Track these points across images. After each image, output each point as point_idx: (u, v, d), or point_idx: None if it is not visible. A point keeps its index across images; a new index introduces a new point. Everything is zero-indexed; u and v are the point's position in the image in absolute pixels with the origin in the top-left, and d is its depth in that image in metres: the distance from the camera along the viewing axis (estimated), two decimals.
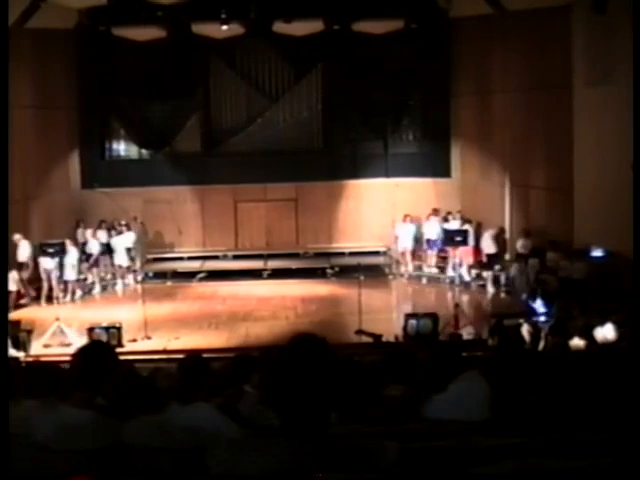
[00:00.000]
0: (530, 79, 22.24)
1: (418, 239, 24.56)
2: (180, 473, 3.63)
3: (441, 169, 25.89)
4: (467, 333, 17.85)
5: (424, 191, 25.49)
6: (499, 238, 23.25)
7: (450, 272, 23.63)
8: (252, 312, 20.61)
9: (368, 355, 10.88)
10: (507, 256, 23.03)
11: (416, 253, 24.64)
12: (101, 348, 5.68)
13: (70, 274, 22.15)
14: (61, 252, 21.66)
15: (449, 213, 24.26)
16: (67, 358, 5.48)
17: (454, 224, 23.62)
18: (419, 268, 24.59)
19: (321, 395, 3.02)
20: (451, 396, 5.95)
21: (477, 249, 23.10)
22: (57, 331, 17.80)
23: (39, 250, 21.43)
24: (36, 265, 21.84)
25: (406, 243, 24.41)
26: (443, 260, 24.28)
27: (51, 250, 21.67)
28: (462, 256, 23.04)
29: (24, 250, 21.69)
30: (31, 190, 23.70)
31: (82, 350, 5.17)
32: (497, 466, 3.76)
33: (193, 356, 5.66)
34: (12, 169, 22.73)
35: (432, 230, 24.23)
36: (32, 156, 23.74)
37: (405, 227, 24.45)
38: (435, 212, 24.52)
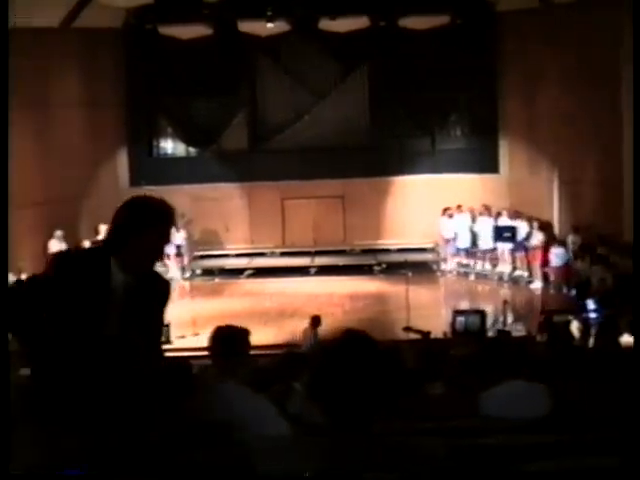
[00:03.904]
0: (579, 73, 22.00)
1: (473, 233, 24.36)
2: (224, 471, 3.62)
3: (489, 165, 25.71)
4: (516, 330, 17.73)
5: (472, 187, 25.32)
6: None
7: (499, 269, 23.50)
8: (299, 309, 20.61)
9: (413, 352, 10.85)
10: None
11: (470, 250, 24.43)
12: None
13: None
14: None
15: (499, 212, 24.04)
16: None
17: (504, 220, 23.47)
18: (466, 265, 24.46)
19: (369, 392, 3.00)
20: (501, 393, 5.92)
21: (546, 249, 22.56)
22: None
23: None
24: None
25: (462, 237, 24.26)
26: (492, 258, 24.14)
27: None
28: (530, 258, 22.80)
29: (54, 246, 21.75)
30: (79, 188, 23.90)
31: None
32: (546, 463, 3.72)
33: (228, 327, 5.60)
34: (60, 167, 23.06)
35: (483, 227, 24.05)
36: (80, 154, 23.96)
37: (459, 219, 24.33)
38: (486, 209, 24.37)
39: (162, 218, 4.37)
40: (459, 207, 24.42)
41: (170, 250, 24.33)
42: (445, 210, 24.51)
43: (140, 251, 4.33)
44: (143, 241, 4.31)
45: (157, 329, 4.68)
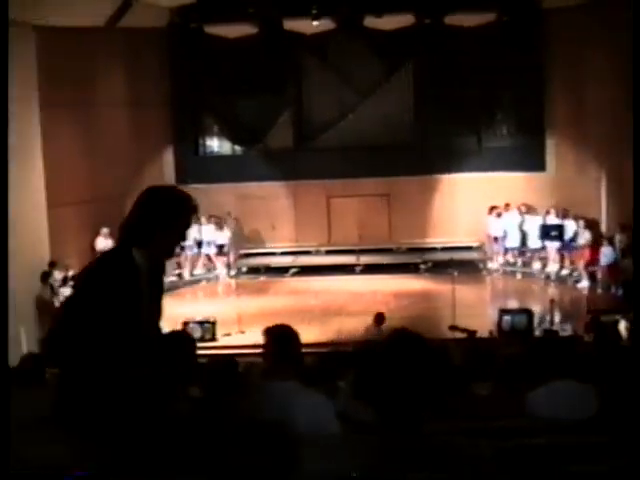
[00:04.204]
0: (627, 70, 21.75)
1: (523, 232, 24.18)
2: (273, 468, 3.62)
3: (535, 163, 25.51)
4: (563, 329, 17.59)
5: (518, 186, 25.14)
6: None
7: (548, 268, 23.34)
8: (344, 307, 20.62)
9: (459, 351, 10.80)
10: None
11: (517, 249, 24.27)
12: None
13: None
14: None
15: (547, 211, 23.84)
16: None
17: (551, 219, 23.30)
18: (513, 264, 24.32)
19: (418, 392, 2.99)
20: (548, 393, 5.87)
21: (594, 248, 22.32)
22: None
23: None
24: None
25: (512, 236, 24.11)
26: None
27: None
28: (578, 257, 22.64)
29: (101, 244, 21.87)
30: (126, 187, 24.04)
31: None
32: (593, 464, 3.69)
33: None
34: (107, 165, 23.24)
35: (531, 225, 23.84)
36: (127, 152, 24.14)
37: (508, 217, 24.17)
38: (527, 207, 24.20)
39: (190, 209, 4.39)
40: (507, 205, 24.29)
41: (213, 248, 24.54)
42: (493, 208, 24.38)
43: (168, 242, 4.37)
44: (172, 233, 4.33)
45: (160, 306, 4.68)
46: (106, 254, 4.49)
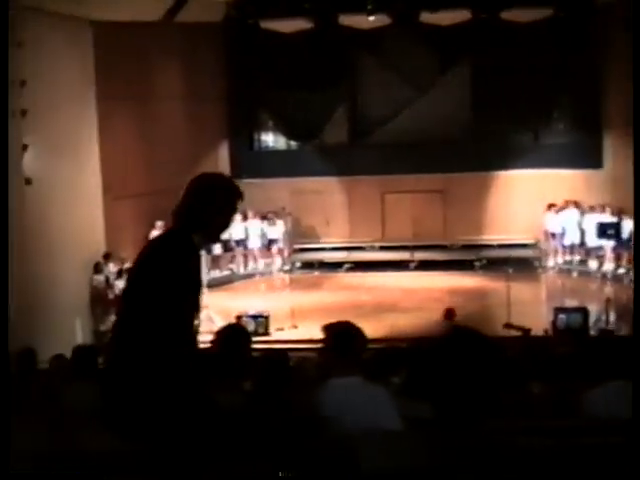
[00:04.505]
0: None
1: (580, 230, 23.90)
2: (331, 463, 3.60)
3: (592, 160, 25.23)
4: (618, 329, 17.38)
5: (574, 183, 24.89)
6: None
7: (604, 266, 23.07)
8: (398, 303, 20.57)
9: (514, 349, 10.71)
10: None
11: (575, 247, 24.00)
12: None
13: None
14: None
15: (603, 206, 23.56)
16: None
17: (606, 217, 23.02)
18: (569, 262, 24.07)
19: (476, 389, 2.95)
20: (604, 393, 5.80)
21: None
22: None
23: None
24: None
25: (569, 234, 23.85)
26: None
27: None
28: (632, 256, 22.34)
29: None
30: (181, 180, 24.12)
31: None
32: None
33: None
34: (162, 159, 23.39)
35: (590, 223, 23.51)
36: (182, 146, 24.26)
37: (566, 215, 23.92)
38: (575, 204, 23.96)
39: (239, 196, 4.55)
40: (566, 202, 24.03)
41: (268, 243, 24.63)
42: (551, 206, 24.13)
43: (221, 228, 4.52)
44: (225, 219, 4.49)
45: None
46: (168, 237, 4.52)
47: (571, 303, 19.87)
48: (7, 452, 3.79)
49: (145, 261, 4.37)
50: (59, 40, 18.47)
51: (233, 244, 23.95)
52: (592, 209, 23.66)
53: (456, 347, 3.01)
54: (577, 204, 23.99)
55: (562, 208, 24.02)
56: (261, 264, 24.86)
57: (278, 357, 6.67)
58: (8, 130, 14.29)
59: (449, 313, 15.97)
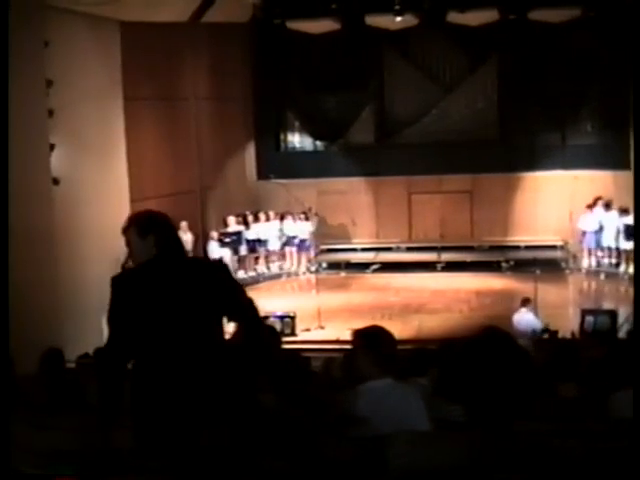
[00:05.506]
0: None
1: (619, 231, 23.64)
2: (359, 463, 3.59)
3: (622, 161, 25.03)
4: None
5: (604, 184, 24.72)
6: None
7: (631, 268, 22.86)
8: (425, 304, 20.51)
9: (541, 352, 10.66)
10: None
11: (604, 248, 23.81)
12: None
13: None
14: (238, 242, 22.55)
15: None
16: None
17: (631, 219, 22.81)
18: (598, 263, 23.89)
19: (506, 390, 2.93)
20: (632, 396, 5.74)
21: None
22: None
23: (217, 241, 22.26)
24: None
25: (599, 235, 23.65)
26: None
27: (228, 240, 22.41)
28: None
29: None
30: (207, 181, 24.23)
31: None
32: None
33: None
34: (189, 160, 23.45)
35: (620, 225, 23.33)
36: (209, 147, 24.30)
37: (598, 216, 23.68)
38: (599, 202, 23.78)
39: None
40: (597, 203, 23.82)
41: (294, 243, 24.64)
42: (588, 206, 23.86)
43: None
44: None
45: None
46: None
47: (599, 305, 19.73)
48: (7, 451, 3.79)
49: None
50: (86, 40, 18.50)
51: (258, 245, 24.02)
52: (624, 211, 23.41)
53: (487, 348, 2.99)
54: (610, 204, 23.74)
55: (595, 209, 23.71)
56: (287, 264, 24.87)
57: (295, 358, 6.66)
58: (8, 131, 14.32)
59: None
